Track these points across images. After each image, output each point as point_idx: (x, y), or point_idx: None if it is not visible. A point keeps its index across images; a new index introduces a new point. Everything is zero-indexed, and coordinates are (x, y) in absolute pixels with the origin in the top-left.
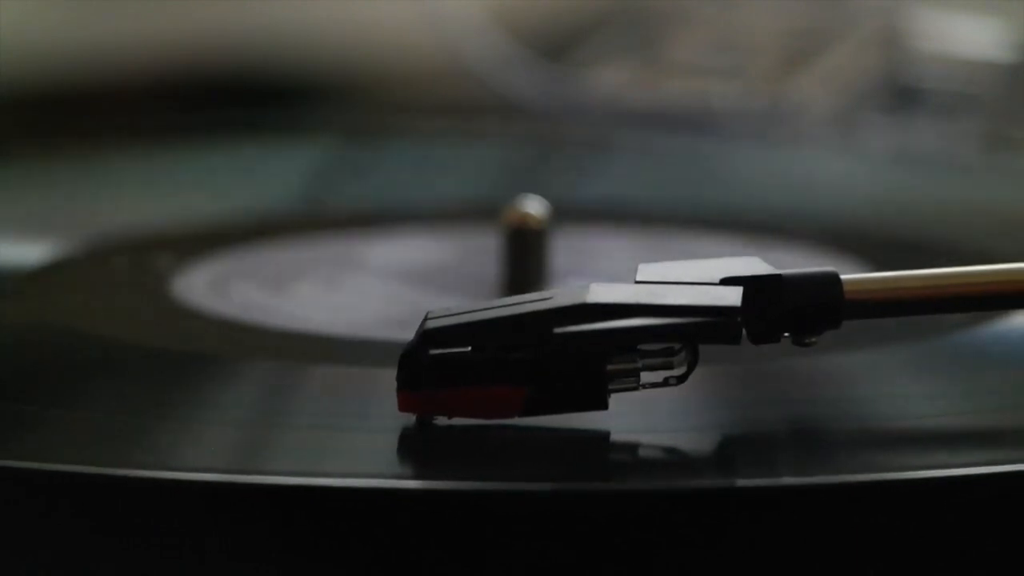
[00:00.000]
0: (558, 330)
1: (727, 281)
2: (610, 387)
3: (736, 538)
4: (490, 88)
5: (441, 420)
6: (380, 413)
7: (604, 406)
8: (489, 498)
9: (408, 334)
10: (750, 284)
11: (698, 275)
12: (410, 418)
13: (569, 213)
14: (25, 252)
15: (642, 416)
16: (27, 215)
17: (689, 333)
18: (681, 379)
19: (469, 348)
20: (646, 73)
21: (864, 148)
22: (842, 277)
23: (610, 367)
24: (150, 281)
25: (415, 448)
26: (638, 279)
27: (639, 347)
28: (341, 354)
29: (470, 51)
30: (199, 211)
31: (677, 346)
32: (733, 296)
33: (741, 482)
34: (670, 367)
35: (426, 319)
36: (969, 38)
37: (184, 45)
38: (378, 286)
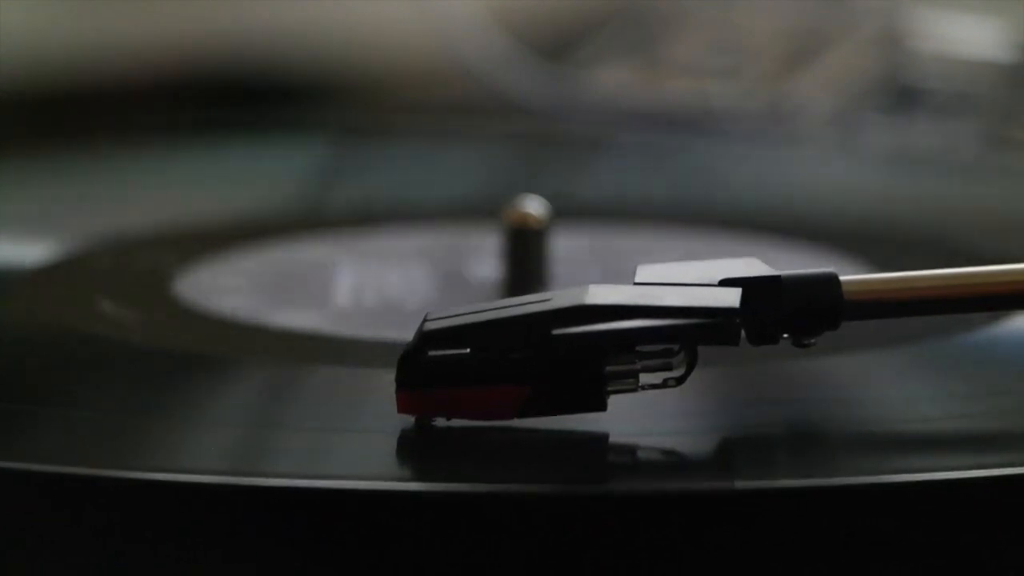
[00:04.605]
0: (557, 331)
1: (726, 282)
2: (609, 388)
3: (735, 540)
4: (490, 88)
5: (440, 421)
6: (379, 414)
7: (603, 407)
8: (488, 500)
9: (407, 335)
10: (749, 285)
11: (697, 276)
12: (409, 419)
13: (569, 213)
14: (25, 252)
15: (641, 418)
16: (27, 215)
17: (688, 334)
18: (680, 380)
19: (468, 349)
20: (646, 73)
21: (864, 148)
22: (841, 278)
23: (609, 368)
24: (150, 281)
25: (414, 449)
26: (637, 280)
27: (638, 348)
28: (340, 354)
29: (470, 51)
30: (199, 211)
31: (676, 347)
32: (732, 297)
33: (740, 484)
34: (669, 368)
35: (425, 320)
36: (969, 38)
37: (184, 45)
38: (377, 286)
